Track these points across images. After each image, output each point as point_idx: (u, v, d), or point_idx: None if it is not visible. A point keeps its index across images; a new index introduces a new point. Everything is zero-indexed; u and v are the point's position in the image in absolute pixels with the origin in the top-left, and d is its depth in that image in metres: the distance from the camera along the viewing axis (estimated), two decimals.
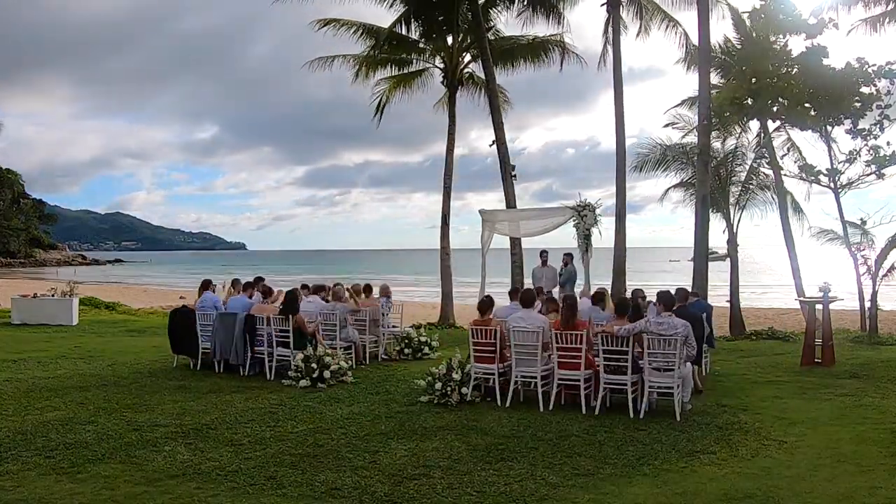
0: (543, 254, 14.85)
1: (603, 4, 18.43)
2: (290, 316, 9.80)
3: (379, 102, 21.51)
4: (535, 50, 20.53)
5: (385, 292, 12.53)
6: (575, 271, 14.19)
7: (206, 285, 11.11)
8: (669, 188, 20.35)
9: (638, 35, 19.08)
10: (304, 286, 12.07)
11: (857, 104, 15.01)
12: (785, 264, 18.58)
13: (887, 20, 17.05)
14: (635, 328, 7.56)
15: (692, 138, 19.25)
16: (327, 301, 11.37)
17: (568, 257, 14.41)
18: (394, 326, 12.47)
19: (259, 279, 11.68)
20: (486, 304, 8.71)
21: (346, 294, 11.37)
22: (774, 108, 16.57)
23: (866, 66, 14.96)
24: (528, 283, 16.53)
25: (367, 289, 12.07)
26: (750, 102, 16.94)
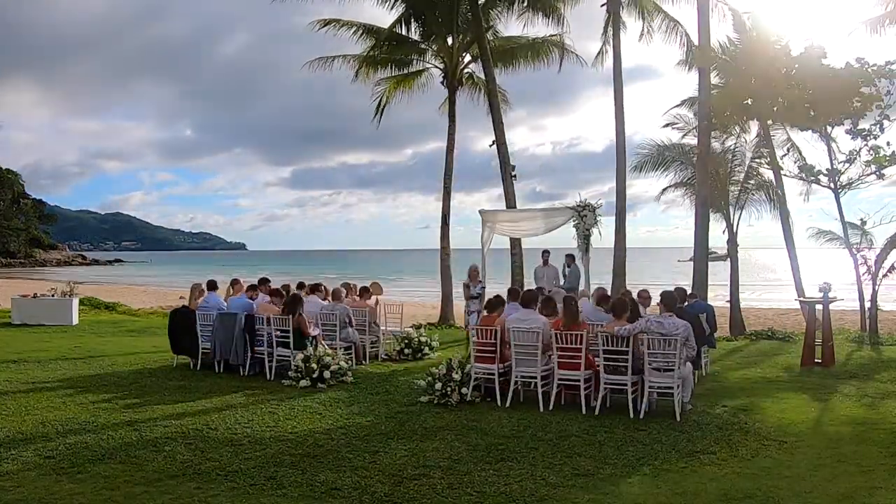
0: (545, 253, 14.86)
1: (603, 5, 18.44)
2: (292, 315, 9.81)
3: (379, 103, 21.51)
4: (535, 50, 20.51)
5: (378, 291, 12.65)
6: (578, 271, 14.19)
7: (212, 286, 11.09)
8: (667, 188, 20.30)
9: (641, 37, 19.10)
10: (301, 285, 12.06)
11: (857, 104, 14.99)
12: (785, 264, 18.56)
13: (888, 22, 17.02)
14: (635, 328, 7.57)
15: (690, 139, 19.25)
16: (326, 300, 11.38)
17: (570, 258, 14.40)
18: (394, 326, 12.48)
19: (264, 280, 11.65)
20: (493, 303, 8.73)
21: (345, 293, 11.42)
22: (774, 109, 16.54)
23: (866, 67, 14.94)
24: (528, 283, 16.55)
25: (364, 290, 12.07)
26: (750, 103, 16.92)
